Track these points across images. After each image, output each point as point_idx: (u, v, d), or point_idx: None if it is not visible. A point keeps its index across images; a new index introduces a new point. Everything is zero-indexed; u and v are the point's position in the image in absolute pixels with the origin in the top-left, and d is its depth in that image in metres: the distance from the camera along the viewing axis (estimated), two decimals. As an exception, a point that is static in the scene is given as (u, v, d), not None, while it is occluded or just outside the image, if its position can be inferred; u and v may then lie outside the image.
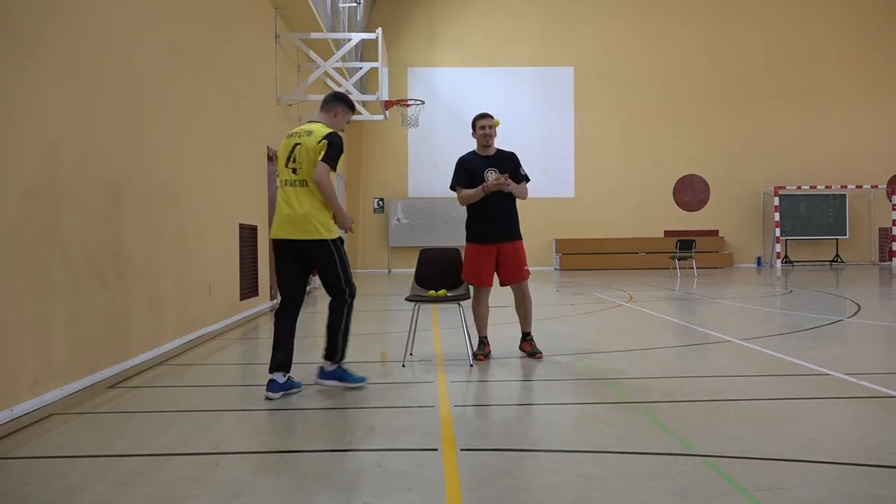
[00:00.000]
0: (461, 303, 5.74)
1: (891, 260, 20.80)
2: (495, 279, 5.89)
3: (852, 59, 21.52)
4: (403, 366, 5.56)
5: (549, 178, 20.74)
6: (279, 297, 4.82)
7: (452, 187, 5.91)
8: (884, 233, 21.43)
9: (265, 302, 10.47)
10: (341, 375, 4.76)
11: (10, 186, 4.16)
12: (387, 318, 9.47)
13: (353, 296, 4.77)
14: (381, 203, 21.13)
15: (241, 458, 3.41)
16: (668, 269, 19.16)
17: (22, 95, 4.29)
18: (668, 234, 21.33)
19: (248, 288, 9.57)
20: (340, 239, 4.78)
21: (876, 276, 16.64)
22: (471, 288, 5.94)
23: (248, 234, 9.56)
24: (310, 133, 4.71)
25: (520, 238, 5.91)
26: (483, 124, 5.82)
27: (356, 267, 21.11)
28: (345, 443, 3.63)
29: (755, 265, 21.61)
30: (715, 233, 21.53)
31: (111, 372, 5.32)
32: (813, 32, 21.53)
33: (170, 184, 6.69)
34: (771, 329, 7.89)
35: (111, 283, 5.39)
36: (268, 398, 4.50)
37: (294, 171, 4.68)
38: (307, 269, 4.79)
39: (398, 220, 20.85)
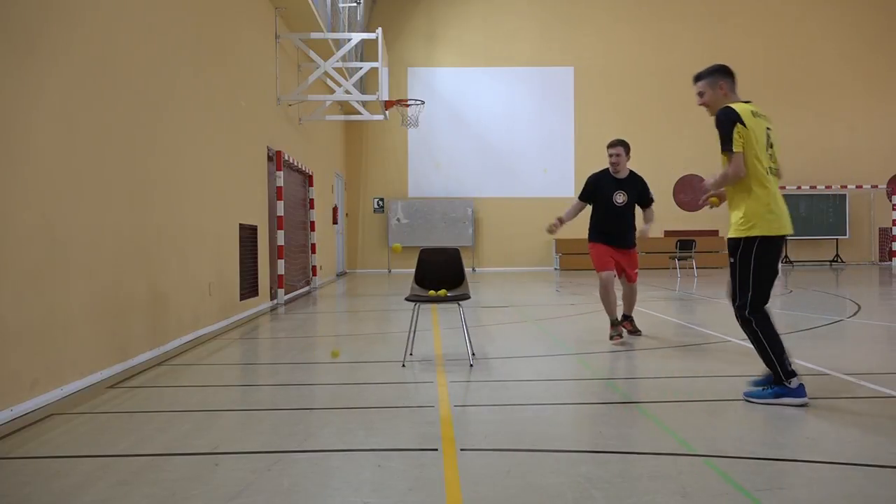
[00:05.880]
0: (461, 303, 5.73)
1: (891, 260, 20.79)
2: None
3: (852, 59, 21.50)
4: (403, 366, 5.56)
5: (549, 178, 20.75)
6: (751, 297, 4.11)
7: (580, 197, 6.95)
8: (884, 233, 21.42)
9: (265, 302, 10.46)
10: (779, 392, 4.16)
11: (10, 187, 4.16)
12: (387, 318, 9.46)
13: (745, 309, 4.12)
14: (381, 203, 21.12)
15: (241, 458, 3.41)
16: (668, 268, 19.15)
17: (21, 96, 4.29)
18: (668, 234, 21.31)
19: (248, 288, 9.57)
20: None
21: (876, 276, 16.64)
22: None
23: (248, 234, 9.55)
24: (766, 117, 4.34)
25: (634, 246, 6.79)
26: (611, 153, 6.73)
27: (356, 267, 21.10)
28: (345, 443, 3.63)
29: (755, 265, 21.57)
30: (715, 233, 21.50)
31: (111, 372, 5.32)
32: (813, 33, 21.51)
33: (170, 183, 6.69)
34: (771, 329, 7.88)
35: (111, 282, 5.39)
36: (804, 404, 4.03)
37: (772, 157, 4.34)
38: None
39: (398, 220, 20.84)
